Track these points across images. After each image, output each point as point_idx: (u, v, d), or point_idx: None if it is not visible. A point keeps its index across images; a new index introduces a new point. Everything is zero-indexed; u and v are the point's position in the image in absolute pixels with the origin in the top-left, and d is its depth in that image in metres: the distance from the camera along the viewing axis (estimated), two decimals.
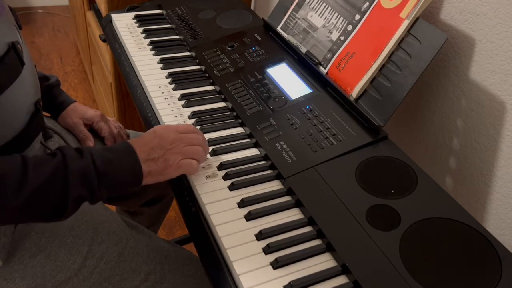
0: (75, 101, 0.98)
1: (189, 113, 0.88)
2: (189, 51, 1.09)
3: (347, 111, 0.84)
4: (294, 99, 0.89)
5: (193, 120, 0.87)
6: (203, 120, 0.87)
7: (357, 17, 0.90)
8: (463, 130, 0.88)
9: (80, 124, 0.95)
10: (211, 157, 0.79)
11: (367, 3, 0.89)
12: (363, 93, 0.85)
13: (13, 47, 0.68)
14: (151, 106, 0.92)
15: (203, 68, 1.02)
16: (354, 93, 0.85)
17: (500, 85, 0.80)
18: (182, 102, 0.91)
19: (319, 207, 0.69)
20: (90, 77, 2.22)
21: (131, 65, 1.04)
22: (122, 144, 0.70)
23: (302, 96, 0.89)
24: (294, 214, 0.70)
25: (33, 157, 0.62)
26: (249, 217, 0.68)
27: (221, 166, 0.77)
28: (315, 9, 0.98)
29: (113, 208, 1.23)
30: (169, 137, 0.72)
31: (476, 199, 0.88)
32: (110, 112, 1.78)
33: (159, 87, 0.95)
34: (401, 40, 0.82)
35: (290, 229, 0.67)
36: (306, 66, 0.96)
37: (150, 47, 1.08)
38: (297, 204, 0.71)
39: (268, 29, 1.09)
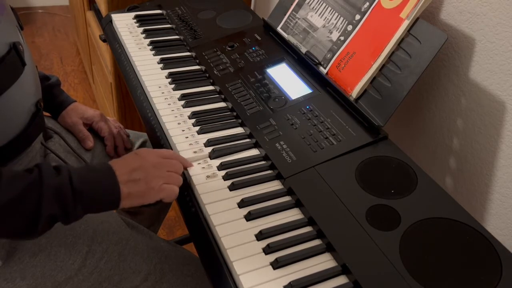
0: (75, 101, 0.98)
1: (189, 113, 0.88)
2: (189, 51, 1.09)
3: (347, 111, 0.84)
4: (294, 99, 0.89)
5: (193, 120, 0.87)
6: (203, 120, 0.87)
7: (357, 17, 0.90)
8: (463, 130, 0.88)
9: (80, 123, 0.95)
10: (211, 157, 0.79)
11: (367, 3, 0.89)
12: (363, 93, 0.85)
13: (14, 48, 0.68)
14: (151, 106, 0.92)
15: (203, 68, 1.02)
16: (354, 93, 0.86)
17: (500, 85, 0.80)
18: (182, 102, 0.91)
19: (319, 207, 0.69)
20: (90, 77, 2.22)
21: (131, 65, 1.04)
22: (103, 164, 0.68)
23: (302, 96, 0.89)
24: (294, 214, 0.70)
25: (10, 171, 0.60)
26: (249, 217, 0.68)
27: (221, 166, 0.77)
28: (315, 9, 0.98)
29: None
30: (152, 160, 0.70)
31: (476, 199, 0.88)
32: (110, 112, 1.78)
33: (159, 87, 0.95)
34: (401, 40, 0.82)
35: (290, 229, 0.67)
36: (306, 66, 0.96)
37: (150, 47, 1.08)
38: (297, 204, 0.71)
39: (268, 29, 1.09)
